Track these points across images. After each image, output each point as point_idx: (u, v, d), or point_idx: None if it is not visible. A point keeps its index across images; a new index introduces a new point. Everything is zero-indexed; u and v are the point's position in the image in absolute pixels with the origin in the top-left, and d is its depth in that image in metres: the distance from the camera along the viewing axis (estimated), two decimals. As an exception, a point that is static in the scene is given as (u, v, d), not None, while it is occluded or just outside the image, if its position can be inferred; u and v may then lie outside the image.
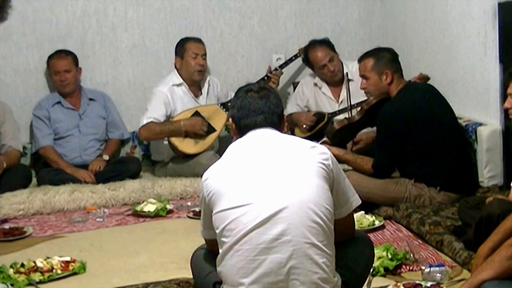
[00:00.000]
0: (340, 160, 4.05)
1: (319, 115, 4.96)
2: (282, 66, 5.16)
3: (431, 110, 3.86)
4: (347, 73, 4.87)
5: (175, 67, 4.87)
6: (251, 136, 2.39)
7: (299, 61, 5.27)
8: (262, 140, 2.37)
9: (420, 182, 3.86)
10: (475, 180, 4.01)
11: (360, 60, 4.07)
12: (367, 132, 4.43)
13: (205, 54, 4.86)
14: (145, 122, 4.70)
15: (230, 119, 2.49)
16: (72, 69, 4.94)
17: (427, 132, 3.82)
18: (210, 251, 2.48)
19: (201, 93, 4.93)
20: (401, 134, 3.83)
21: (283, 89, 5.42)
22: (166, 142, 4.82)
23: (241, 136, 2.42)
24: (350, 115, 4.43)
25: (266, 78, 5.09)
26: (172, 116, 4.78)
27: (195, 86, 4.92)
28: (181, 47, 4.86)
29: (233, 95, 2.88)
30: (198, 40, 4.90)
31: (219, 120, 4.82)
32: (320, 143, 4.08)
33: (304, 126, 4.96)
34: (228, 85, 5.16)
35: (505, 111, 3.21)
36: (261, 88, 2.49)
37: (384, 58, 3.96)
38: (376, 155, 3.95)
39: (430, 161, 3.84)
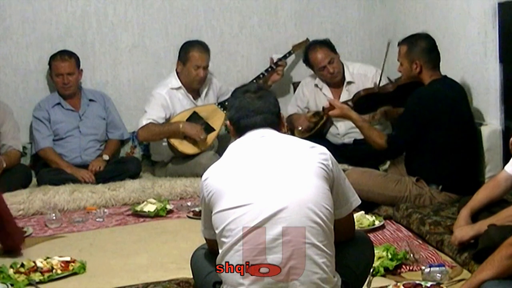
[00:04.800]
0: (355, 124, 4.07)
1: (317, 115, 4.93)
2: (276, 63, 5.16)
3: (455, 109, 3.84)
4: (344, 78, 4.87)
5: (176, 70, 4.86)
6: (251, 136, 2.39)
7: (299, 62, 5.27)
8: (262, 140, 2.37)
9: (423, 180, 3.85)
10: (478, 181, 4.00)
11: (398, 44, 4.07)
12: None
13: (207, 66, 4.81)
14: (144, 123, 4.70)
15: (229, 121, 2.49)
16: (75, 72, 4.93)
17: (444, 129, 3.79)
18: (210, 251, 2.48)
19: (200, 96, 4.93)
20: (423, 122, 3.80)
21: (283, 89, 5.42)
22: (165, 143, 4.82)
23: (240, 137, 2.42)
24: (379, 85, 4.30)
25: (270, 69, 5.09)
26: (171, 118, 4.77)
27: (194, 89, 4.91)
28: (185, 53, 4.79)
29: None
30: (204, 50, 4.80)
31: (218, 120, 4.82)
32: (343, 103, 4.14)
33: (300, 128, 4.92)
34: (228, 85, 5.14)
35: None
36: (258, 88, 2.49)
37: (417, 47, 3.92)
38: (395, 132, 3.95)
39: (439, 159, 3.83)
